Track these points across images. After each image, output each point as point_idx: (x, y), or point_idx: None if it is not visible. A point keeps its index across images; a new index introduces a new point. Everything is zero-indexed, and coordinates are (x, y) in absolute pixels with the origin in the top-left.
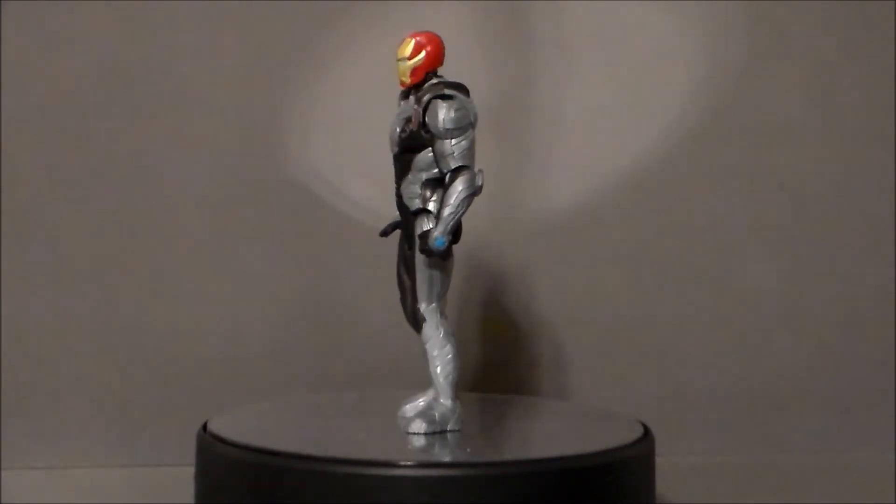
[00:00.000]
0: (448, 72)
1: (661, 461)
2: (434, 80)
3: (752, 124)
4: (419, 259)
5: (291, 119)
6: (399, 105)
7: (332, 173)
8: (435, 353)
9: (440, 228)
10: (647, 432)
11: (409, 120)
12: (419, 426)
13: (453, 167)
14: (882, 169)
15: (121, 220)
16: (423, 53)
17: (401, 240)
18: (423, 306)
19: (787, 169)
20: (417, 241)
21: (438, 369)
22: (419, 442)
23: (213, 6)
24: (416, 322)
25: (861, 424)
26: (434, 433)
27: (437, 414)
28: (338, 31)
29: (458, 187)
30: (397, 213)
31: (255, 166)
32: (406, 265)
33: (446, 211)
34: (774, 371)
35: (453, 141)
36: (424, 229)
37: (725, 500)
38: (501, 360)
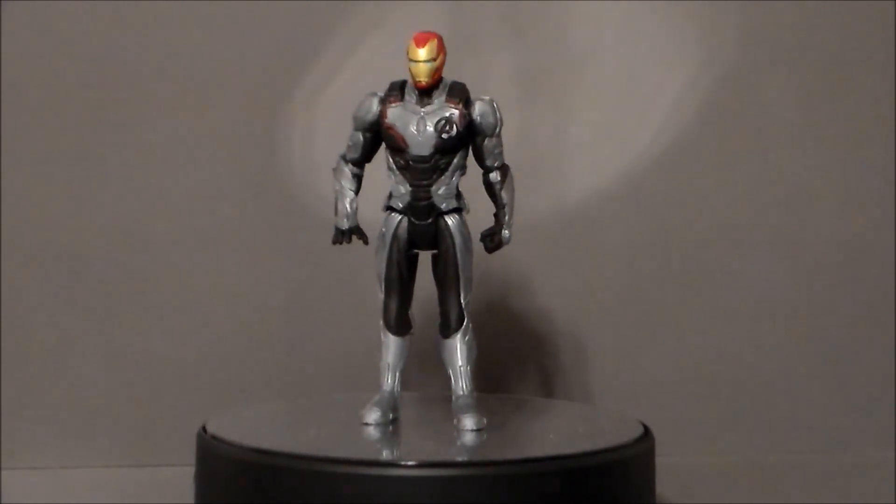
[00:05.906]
0: (447, 72)
1: (661, 461)
2: (450, 81)
3: (753, 124)
4: (462, 257)
5: (291, 122)
6: (399, 107)
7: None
8: (468, 347)
9: (510, 224)
10: (647, 432)
11: (447, 121)
12: (479, 421)
13: (501, 164)
14: (882, 168)
15: (119, 221)
16: (441, 54)
17: (395, 241)
18: (464, 302)
19: (789, 168)
20: (482, 240)
21: (469, 362)
22: (417, 441)
23: (212, 6)
24: (405, 323)
25: (861, 424)
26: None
27: (479, 405)
28: (337, 31)
29: (512, 183)
30: (348, 218)
31: (256, 169)
32: (402, 266)
33: (508, 208)
34: (775, 371)
35: (498, 139)
36: (485, 229)
37: (725, 500)
38: (501, 361)
